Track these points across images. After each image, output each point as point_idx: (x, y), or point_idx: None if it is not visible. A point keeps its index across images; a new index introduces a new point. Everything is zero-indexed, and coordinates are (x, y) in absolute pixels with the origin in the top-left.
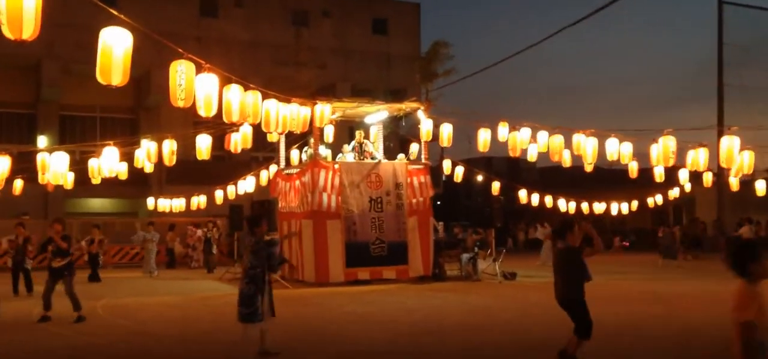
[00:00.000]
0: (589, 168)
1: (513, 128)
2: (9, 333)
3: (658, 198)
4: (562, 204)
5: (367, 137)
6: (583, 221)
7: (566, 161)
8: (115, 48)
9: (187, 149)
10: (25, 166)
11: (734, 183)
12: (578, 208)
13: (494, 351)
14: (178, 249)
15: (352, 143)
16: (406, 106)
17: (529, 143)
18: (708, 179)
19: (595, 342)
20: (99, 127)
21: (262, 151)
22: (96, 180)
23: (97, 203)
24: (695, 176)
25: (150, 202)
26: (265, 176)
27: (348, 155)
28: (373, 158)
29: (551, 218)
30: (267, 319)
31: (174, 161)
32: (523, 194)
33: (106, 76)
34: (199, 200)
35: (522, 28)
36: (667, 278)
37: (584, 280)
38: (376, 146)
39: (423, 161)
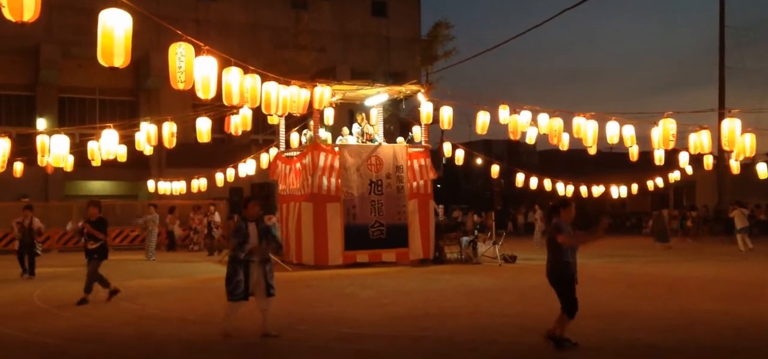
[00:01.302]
0: (592, 151)
1: (513, 111)
2: (11, 316)
3: (659, 181)
4: (562, 188)
5: (367, 119)
6: (603, 216)
7: (566, 144)
8: (115, 29)
9: (186, 131)
10: (24, 148)
11: (735, 166)
12: (576, 191)
13: (495, 332)
14: (178, 232)
15: (355, 126)
16: (406, 88)
17: (529, 125)
18: (708, 162)
19: (594, 325)
20: (98, 109)
21: (262, 133)
22: (96, 162)
23: (97, 186)
24: (696, 160)
25: (150, 185)
26: (265, 158)
27: (349, 137)
28: (372, 141)
29: (548, 202)
30: (264, 299)
31: (174, 144)
32: (522, 177)
33: (107, 58)
34: (200, 183)
35: (523, 9)
36: (664, 260)
37: (564, 259)
38: (375, 128)
39: (423, 143)
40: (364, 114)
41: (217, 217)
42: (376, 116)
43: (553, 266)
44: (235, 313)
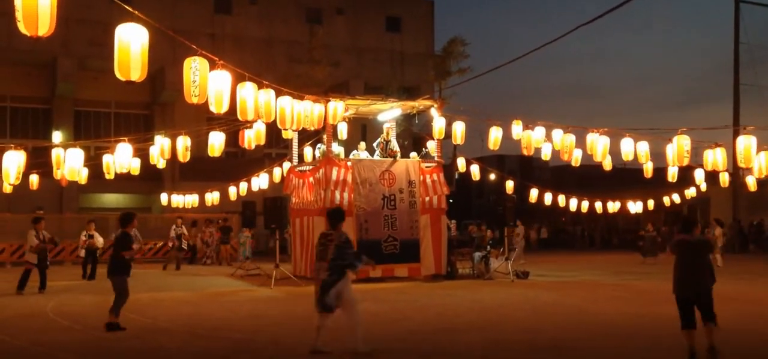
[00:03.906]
0: (607, 167)
1: (526, 126)
2: (22, 328)
3: (674, 198)
4: (575, 204)
5: (382, 134)
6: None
7: (579, 159)
8: (132, 44)
9: (200, 145)
10: (40, 161)
11: (751, 183)
12: (591, 207)
13: (507, 349)
14: (200, 245)
15: (378, 140)
16: (420, 103)
17: (543, 141)
18: (724, 179)
19: (607, 344)
20: (113, 122)
21: (275, 148)
22: (110, 175)
23: (111, 199)
24: (711, 177)
25: (163, 198)
26: (278, 172)
27: (362, 153)
28: (395, 157)
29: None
30: (353, 313)
31: (188, 158)
32: (535, 193)
33: (124, 72)
34: (213, 197)
35: (537, 26)
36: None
37: (712, 271)
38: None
39: (436, 159)
40: (389, 128)
41: (184, 229)
42: (389, 130)
43: (711, 277)
44: (324, 326)
